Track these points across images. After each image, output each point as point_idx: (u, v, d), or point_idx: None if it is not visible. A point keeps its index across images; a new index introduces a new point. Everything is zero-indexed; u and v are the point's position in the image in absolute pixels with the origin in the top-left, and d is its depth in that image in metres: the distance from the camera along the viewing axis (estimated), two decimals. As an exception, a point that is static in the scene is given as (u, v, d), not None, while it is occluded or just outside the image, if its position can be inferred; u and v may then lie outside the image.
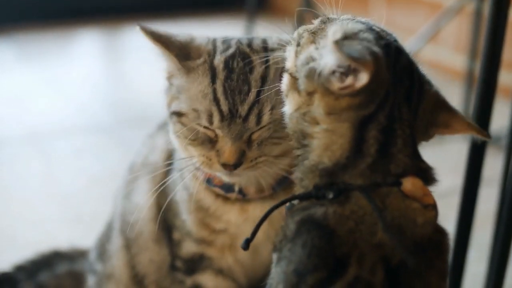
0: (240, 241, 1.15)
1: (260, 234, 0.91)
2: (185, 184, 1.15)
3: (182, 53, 1.04)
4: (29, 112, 2.85)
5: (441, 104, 0.88)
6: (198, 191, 1.14)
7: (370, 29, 0.85)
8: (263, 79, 1.01)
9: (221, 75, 1.01)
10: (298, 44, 0.90)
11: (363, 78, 0.78)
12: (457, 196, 1.24)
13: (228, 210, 1.13)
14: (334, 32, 0.82)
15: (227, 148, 1.00)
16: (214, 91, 1.00)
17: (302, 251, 0.80)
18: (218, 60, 1.03)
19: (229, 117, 0.99)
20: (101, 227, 1.45)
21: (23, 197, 2.14)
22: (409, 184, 0.82)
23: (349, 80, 0.79)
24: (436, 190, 0.88)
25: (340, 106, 0.81)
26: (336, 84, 0.80)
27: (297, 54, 0.89)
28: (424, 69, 0.90)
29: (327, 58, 0.81)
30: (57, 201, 2.10)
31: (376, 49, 0.80)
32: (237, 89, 1.00)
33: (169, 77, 1.09)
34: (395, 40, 0.87)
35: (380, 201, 0.81)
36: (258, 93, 1.00)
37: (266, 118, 1.00)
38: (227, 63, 1.02)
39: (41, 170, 2.33)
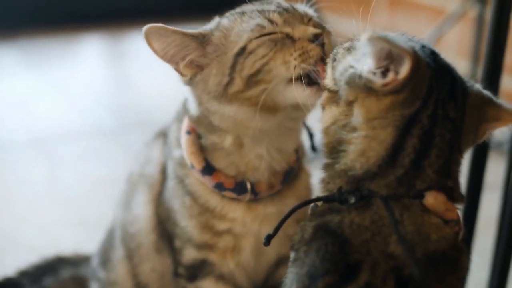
0: (246, 242, 1.17)
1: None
2: (186, 189, 1.16)
3: (193, 31, 1.08)
4: (33, 116, 2.86)
5: (487, 99, 0.88)
6: (204, 194, 1.15)
7: (401, 34, 0.88)
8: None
9: (246, 7, 1.08)
10: (334, 60, 0.92)
11: (405, 68, 0.79)
12: (460, 201, 1.24)
13: (234, 208, 1.14)
14: (366, 32, 0.83)
15: (303, 27, 1.04)
16: (255, 10, 1.06)
17: (316, 255, 0.82)
18: (231, 12, 1.10)
19: (284, 11, 1.05)
20: (104, 230, 1.45)
21: (27, 200, 2.14)
22: (432, 198, 0.82)
23: (391, 75, 0.80)
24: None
25: (384, 105, 0.82)
26: (378, 82, 0.81)
27: (334, 68, 0.91)
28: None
29: (366, 61, 0.83)
30: (61, 204, 2.11)
31: (411, 44, 0.82)
32: (267, 2, 1.09)
33: (194, 68, 1.07)
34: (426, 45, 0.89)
35: (399, 213, 0.82)
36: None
37: (307, 11, 1.08)
38: (242, 8, 1.10)
39: (45, 173, 2.34)
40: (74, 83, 3.27)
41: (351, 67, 0.86)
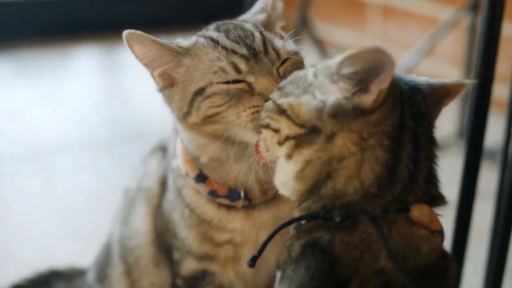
0: (245, 250, 1.17)
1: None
2: (184, 201, 1.16)
3: (171, 44, 1.06)
4: (29, 128, 2.86)
5: (427, 86, 0.88)
6: (200, 205, 1.15)
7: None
8: (256, 26, 1.08)
9: (221, 37, 1.05)
10: (284, 111, 0.87)
11: (389, 75, 0.77)
12: (453, 209, 1.24)
13: (232, 218, 1.14)
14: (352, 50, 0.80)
15: (266, 81, 1.00)
16: (225, 48, 1.03)
17: (305, 273, 0.80)
18: (210, 33, 1.07)
19: (252, 57, 1.01)
20: (100, 242, 1.45)
21: (22, 213, 2.14)
22: (417, 210, 0.82)
23: (375, 89, 0.79)
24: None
25: (375, 120, 0.80)
26: (368, 100, 0.79)
27: (293, 112, 0.86)
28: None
29: (333, 90, 0.81)
30: (57, 217, 2.11)
31: None
32: (242, 36, 1.04)
33: (167, 80, 1.07)
34: None
35: (386, 227, 0.81)
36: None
37: (282, 51, 1.04)
38: (219, 30, 1.07)
39: (41, 185, 2.34)
40: (69, 94, 3.28)
41: (323, 101, 0.82)
